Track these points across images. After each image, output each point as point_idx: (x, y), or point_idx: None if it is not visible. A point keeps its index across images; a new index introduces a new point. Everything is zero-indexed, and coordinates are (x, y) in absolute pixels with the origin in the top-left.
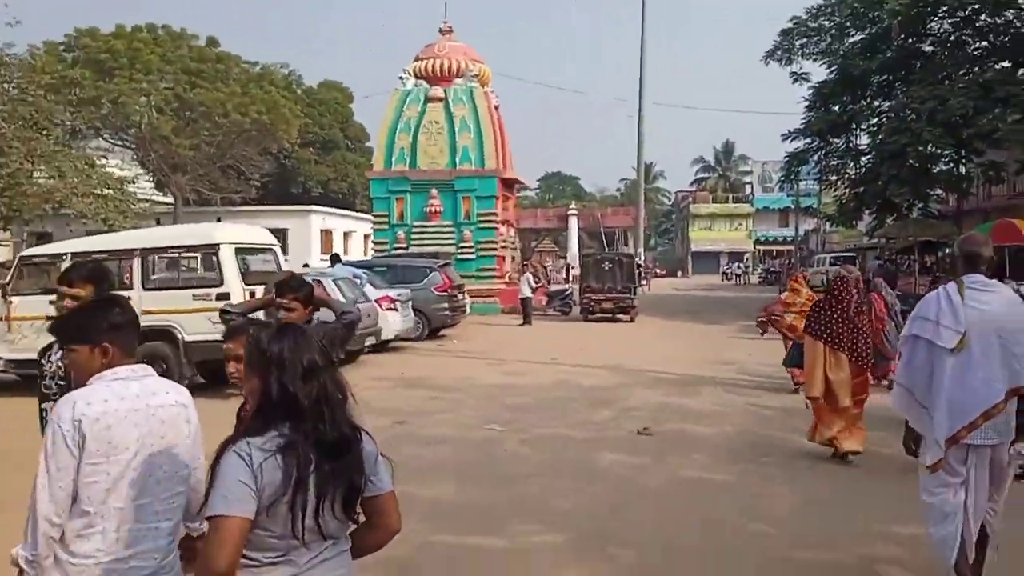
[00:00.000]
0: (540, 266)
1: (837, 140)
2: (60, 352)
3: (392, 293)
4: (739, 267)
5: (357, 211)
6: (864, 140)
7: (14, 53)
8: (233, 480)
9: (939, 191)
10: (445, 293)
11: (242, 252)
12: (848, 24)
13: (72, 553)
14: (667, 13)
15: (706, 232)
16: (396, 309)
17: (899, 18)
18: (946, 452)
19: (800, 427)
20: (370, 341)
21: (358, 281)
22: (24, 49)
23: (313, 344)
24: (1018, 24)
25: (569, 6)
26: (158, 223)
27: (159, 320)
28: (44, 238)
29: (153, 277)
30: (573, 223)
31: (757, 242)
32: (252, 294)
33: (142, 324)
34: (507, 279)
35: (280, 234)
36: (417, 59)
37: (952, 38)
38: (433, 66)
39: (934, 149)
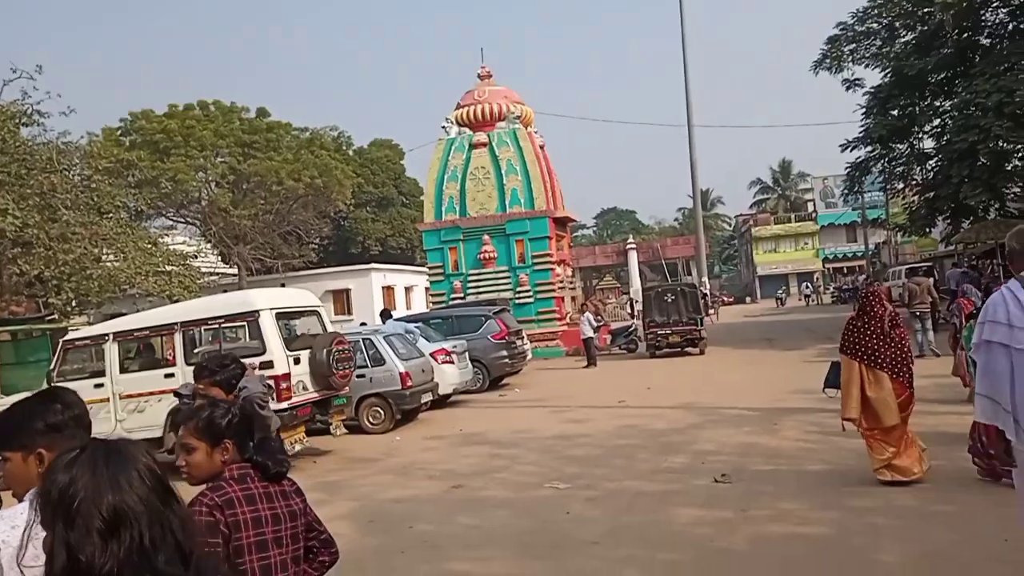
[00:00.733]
0: (600, 304)
1: (900, 145)
2: None
3: (447, 345)
4: (807, 287)
5: (417, 265)
6: (929, 143)
7: (69, 141)
8: None
9: (1016, 188)
10: (503, 340)
11: (284, 317)
12: (898, 24)
13: None
14: (707, 36)
15: (771, 255)
16: (452, 361)
17: (952, 11)
18: None
19: None
20: (427, 398)
21: (410, 336)
22: (80, 136)
23: (130, 471)
24: None
25: (605, 38)
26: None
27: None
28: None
29: (196, 351)
30: (633, 257)
31: (825, 260)
32: (297, 360)
33: None
34: (568, 320)
35: (343, 294)
36: (458, 106)
37: (1010, 27)
38: (475, 112)
39: (1005, 144)
